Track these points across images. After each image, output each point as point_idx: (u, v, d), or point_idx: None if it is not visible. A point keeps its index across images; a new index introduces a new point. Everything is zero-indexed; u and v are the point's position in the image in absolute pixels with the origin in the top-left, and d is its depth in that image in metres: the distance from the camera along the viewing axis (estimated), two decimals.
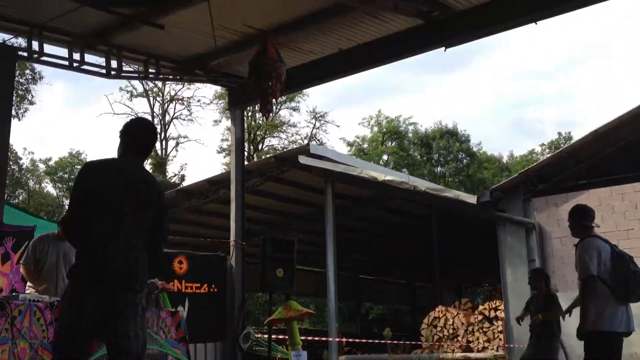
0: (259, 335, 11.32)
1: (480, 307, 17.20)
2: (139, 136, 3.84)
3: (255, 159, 32.76)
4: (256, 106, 9.74)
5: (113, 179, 3.51)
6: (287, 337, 7.47)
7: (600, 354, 5.11)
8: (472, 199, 15.53)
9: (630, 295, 5.22)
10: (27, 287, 6.79)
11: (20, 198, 38.36)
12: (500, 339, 15.19)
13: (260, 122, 39.30)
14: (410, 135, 47.84)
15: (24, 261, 6.84)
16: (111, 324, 3.18)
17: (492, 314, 16.30)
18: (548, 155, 21.05)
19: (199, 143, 62.15)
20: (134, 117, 4.17)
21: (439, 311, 17.53)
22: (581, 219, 5.49)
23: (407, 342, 16.35)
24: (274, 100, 8.17)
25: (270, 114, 8.98)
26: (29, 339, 5.32)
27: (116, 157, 3.80)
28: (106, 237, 3.34)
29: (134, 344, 3.17)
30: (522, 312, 8.46)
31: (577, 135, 36.37)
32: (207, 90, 51.00)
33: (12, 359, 5.17)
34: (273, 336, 8.78)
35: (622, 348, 5.31)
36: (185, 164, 56.39)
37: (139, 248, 3.37)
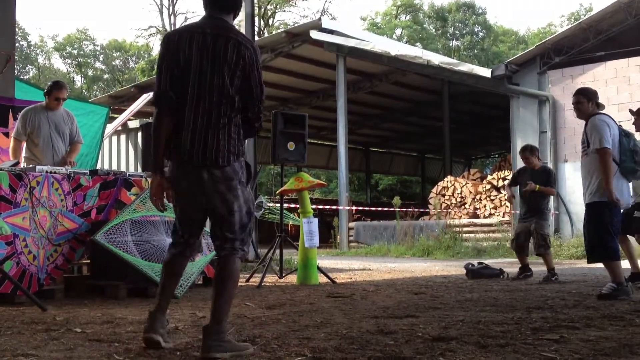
0: (270, 204, 11.62)
1: (489, 177, 17.43)
2: None
3: (266, 35, 32.11)
4: None
5: (186, 44, 3.14)
6: (298, 206, 7.65)
7: (605, 222, 5.41)
8: (486, 72, 15.34)
9: (637, 171, 5.53)
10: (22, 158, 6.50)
11: (31, 74, 38.23)
12: (506, 206, 15.52)
13: None
14: (425, 8, 46.43)
15: (15, 134, 6.55)
16: (209, 201, 3.15)
17: (500, 183, 16.58)
18: (567, 27, 20.47)
19: None
20: None
21: (447, 181, 17.83)
22: (595, 97, 5.67)
23: (416, 210, 16.78)
24: None
25: None
26: (48, 207, 5.53)
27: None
28: (183, 113, 3.13)
29: (237, 217, 3.15)
30: (508, 189, 8.23)
31: (599, 6, 35.05)
32: None
33: (33, 225, 5.41)
34: (285, 205, 9.02)
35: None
36: None
37: (220, 122, 3.11)
